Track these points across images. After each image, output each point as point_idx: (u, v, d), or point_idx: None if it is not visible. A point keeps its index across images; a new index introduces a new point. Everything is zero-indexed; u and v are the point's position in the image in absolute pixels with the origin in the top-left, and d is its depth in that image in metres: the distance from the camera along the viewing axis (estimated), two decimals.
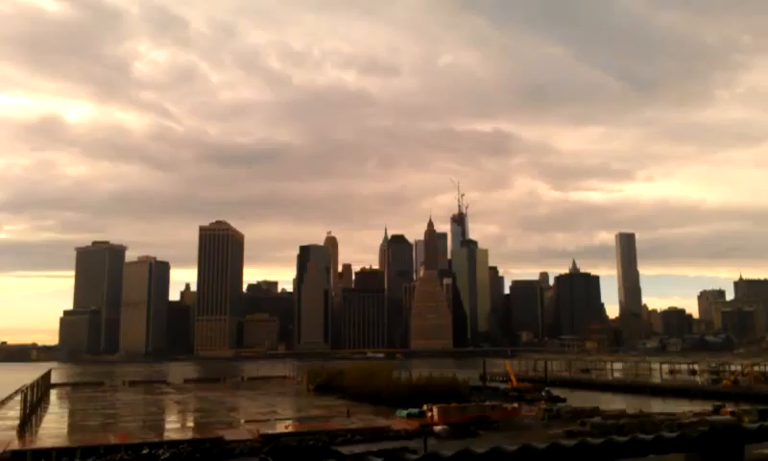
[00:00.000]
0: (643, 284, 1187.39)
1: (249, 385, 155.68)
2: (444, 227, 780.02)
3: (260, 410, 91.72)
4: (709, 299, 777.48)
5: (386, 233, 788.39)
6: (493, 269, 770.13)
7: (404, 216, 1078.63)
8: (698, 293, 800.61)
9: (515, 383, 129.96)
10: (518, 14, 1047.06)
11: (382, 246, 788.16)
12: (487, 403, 78.78)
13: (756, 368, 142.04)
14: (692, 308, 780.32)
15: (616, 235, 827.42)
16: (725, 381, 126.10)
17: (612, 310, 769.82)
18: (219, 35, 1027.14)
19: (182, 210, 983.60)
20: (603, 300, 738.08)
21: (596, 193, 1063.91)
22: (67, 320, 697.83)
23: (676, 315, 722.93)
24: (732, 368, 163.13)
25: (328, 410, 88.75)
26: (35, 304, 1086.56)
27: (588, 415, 59.44)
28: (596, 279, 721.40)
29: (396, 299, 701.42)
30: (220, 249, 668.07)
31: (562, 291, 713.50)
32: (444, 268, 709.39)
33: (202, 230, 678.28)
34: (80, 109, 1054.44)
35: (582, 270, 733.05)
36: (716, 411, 70.60)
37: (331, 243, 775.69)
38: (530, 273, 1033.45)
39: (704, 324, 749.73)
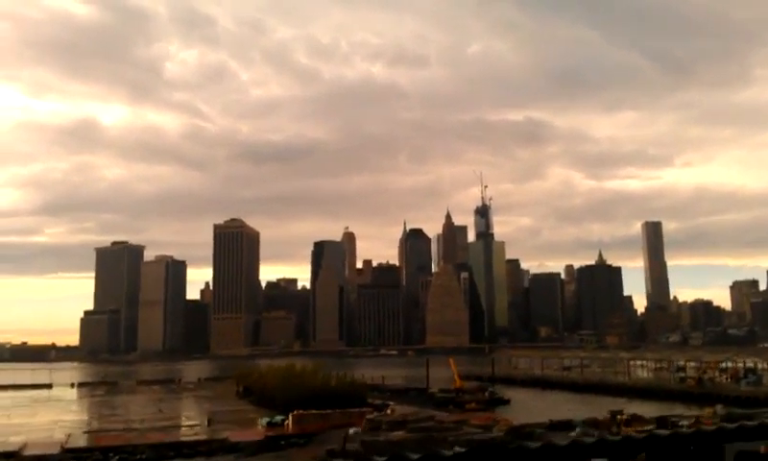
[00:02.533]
0: (681, 275, 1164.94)
1: (188, 387, 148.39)
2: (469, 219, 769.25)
3: (135, 417, 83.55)
4: (742, 289, 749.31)
5: (405, 227, 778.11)
6: (514, 262, 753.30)
7: (438, 210, 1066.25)
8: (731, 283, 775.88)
9: (458, 383, 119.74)
10: None
11: (401, 240, 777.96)
12: (355, 410, 69.00)
13: (730, 364, 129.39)
14: (726, 300, 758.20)
15: (642, 224, 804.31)
16: (689, 380, 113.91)
17: (642, 303, 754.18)
18: (247, 32, 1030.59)
19: (217, 209, 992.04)
20: (632, 292, 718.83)
21: (633, 181, 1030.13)
22: (87, 320, 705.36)
23: (703, 307, 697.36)
24: (725, 365, 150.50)
25: (206, 416, 80.00)
26: (63, 305, 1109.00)
27: (411, 423, 50.12)
28: (618, 270, 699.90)
29: (413, 294, 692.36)
30: (235, 246, 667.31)
31: (583, 284, 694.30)
32: (463, 262, 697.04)
33: (216, 227, 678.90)
34: (114, 112, 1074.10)
35: (615, 262, 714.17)
36: (613, 418, 58.99)
37: (349, 238, 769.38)
38: (564, 266, 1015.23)
39: (735, 316, 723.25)
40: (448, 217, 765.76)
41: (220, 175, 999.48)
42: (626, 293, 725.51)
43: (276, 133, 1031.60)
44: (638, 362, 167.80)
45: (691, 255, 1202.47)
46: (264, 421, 70.76)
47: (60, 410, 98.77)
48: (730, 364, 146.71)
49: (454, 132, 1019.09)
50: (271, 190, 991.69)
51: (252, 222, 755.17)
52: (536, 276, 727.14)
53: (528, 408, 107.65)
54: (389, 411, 77.14)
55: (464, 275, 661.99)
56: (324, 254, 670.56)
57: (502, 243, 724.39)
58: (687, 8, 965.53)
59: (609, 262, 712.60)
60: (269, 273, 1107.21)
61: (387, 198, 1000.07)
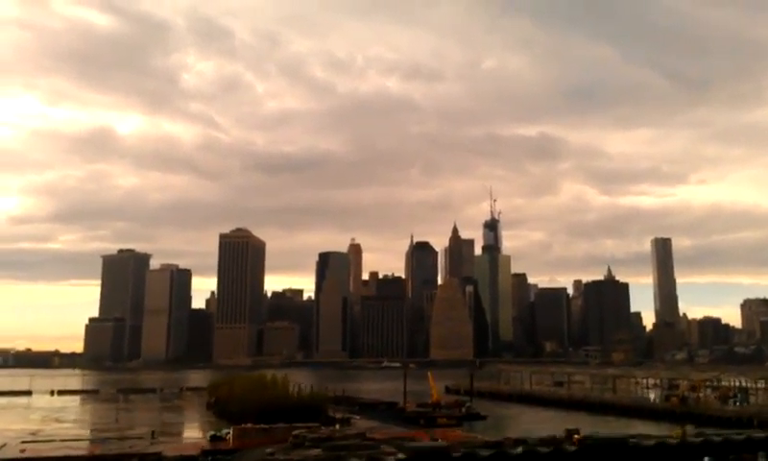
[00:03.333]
0: (694, 293, 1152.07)
1: (168, 397, 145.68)
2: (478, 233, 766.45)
3: (87, 428, 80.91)
4: (752, 308, 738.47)
5: (412, 240, 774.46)
6: (521, 276, 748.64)
7: (448, 223, 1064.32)
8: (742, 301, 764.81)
9: (435, 397, 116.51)
10: (562, 15, 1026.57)
11: (408, 253, 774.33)
12: (301, 425, 65.94)
13: (724, 383, 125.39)
14: (738, 318, 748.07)
15: (652, 241, 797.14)
16: (672, 399, 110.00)
17: (651, 320, 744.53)
18: (263, 44, 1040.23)
19: (229, 219, 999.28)
20: (642, 309, 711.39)
21: (647, 198, 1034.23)
22: (92, 327, 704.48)
23: (712, 325, 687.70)
24: (714, 383, 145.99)
25: (157, 427, 77.20)
26: (71, 312, 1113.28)
27: (337, 440, 47.40)
28: (626, 286, 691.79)
29: (418, 307, 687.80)
30: (240, 256, 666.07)
31: (590, 300, 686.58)
32: (469, 275, 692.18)
33: (222, 237, 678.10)
34: (130, 122, 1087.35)
35: (627, 278, 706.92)
36: (568, 436, 55.59)
37: (355, 250, 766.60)
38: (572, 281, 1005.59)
39: (745, 334, 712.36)
40: (455, 230, 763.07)
41: (233, 185, 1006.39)
42: (636, 309, 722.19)
43: (290, 144, 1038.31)
44: (632, 379, 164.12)
45: (705, 273, 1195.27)
46: (209, 434, 68.15)
47: (19, 418, 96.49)
48: (724, 383, 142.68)
49: (467, 146, 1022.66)
50: (283, 201, 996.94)
51: (263, 232, 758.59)
52: (542, 290, 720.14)
53: (502, 425, 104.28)
54: (347, 426, 74.17)
55: (469, 288, 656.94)
56: (329, 266, 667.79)
57: (508, 257, 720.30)
58: (703, 26, 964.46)
59: (618, 278, 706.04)
60: (278, 283, 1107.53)
61: (397, 211, 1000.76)
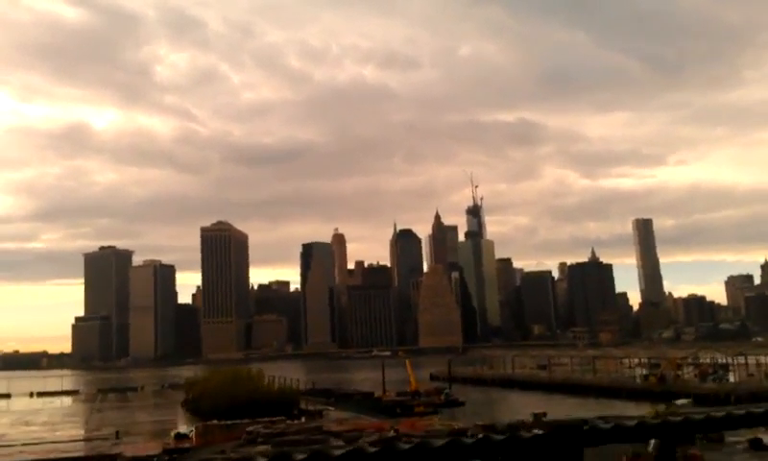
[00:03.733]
0: (679, 272, 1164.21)
1: (148, 395, 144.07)
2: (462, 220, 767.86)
3: (53, 430, 79.33)
4: (736, 284, 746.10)
5: (395, 228, 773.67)
6: (506, 261, 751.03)
7: (431, 211, 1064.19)
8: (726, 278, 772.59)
9: (413, 386, 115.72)
10: (536, 1, 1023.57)
11: (392, 241, 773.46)
12: (264, 420, 64.75)
13: (702, 359, 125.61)
14: (723, 295, 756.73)
15: (633, 221, 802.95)
16: (650, 378, 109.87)
17: (637, 300, 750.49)
18: (237, 35, 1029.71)
19: (210, 213, 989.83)
20: (628, 289, 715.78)
21: (627, 179, 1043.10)
22: (79, 326, 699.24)
23: (697, 303, 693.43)
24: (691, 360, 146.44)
25: (127, 427, 75.71)
26: (58, 312, 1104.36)
27: (292, 435, 46.63)
28: (609, 267, 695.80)
29: (405, 295, 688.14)
30: (222, 250, 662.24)
31: (575, 282, 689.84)
32: (454, 262, 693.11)
33: (203, 230, 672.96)
34: (105, 116, 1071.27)
35: (611, 259, 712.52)
36: (536, 420, 54.22)
37: (338, 240, 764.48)
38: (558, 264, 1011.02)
39: (731, 311, 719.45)
40: (437, 217, 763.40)
41: (212, 178, 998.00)
42: (622, 290, 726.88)
43: (269, 135, 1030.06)
44: (613, 360, 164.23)
45: (688, 252, 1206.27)
46: (174, 432, 66.79)
47: None
48: (703, 360, 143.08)
49: (447, 133, 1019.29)
50: (264, 193, 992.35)
51: (245, 225, 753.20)
52: (527, 274, 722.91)
53: (481, 411, 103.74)
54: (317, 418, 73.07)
55: (454, 275, 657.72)
56: (313, 257, 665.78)
57: (491, 242, 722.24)
58: (677, 10, 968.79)
59: (602, 260, 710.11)
60: (262, 276, 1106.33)
61: (380, 199, 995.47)
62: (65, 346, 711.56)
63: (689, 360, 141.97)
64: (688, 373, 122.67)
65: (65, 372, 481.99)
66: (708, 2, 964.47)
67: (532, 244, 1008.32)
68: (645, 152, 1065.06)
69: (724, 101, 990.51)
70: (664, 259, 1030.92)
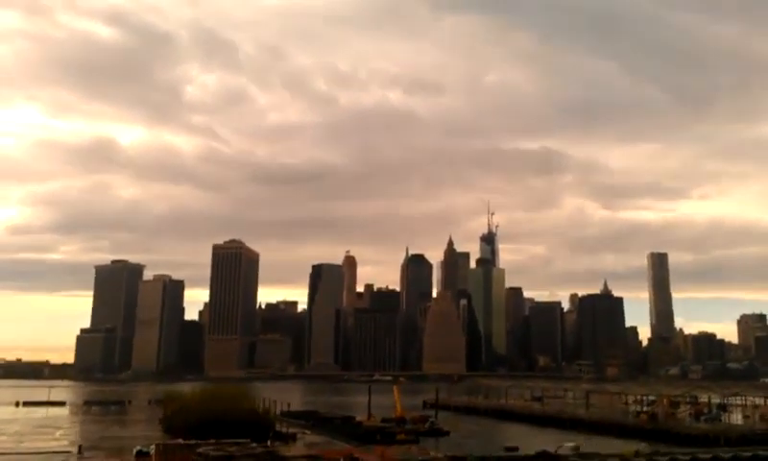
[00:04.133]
0: (695, 308, 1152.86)
1: (130, 410, 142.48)
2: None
3: (19, 442, 77.89)
4: (748, 323, 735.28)
5: (407, 253, 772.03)
6: (516, 290, 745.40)
7: (447, 236, 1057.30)
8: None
9: (399, 412, 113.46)
10: (565, 30, 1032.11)
11: (403, 266, 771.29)
12: (228, 441, 62.93)
13: (700, 399, 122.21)
14: (734, 334, 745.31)
15: (648, 255, 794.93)
16: (642, 415, 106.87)
17: (647, 335, 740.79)
18: (267, 57, 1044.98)
19: (229, 231, 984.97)
20: (639, 323, 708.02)
21: (648, 212, 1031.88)
22: (83, 338, 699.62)
23: (706, 340, 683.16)
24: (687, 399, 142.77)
25: (94, 442, 74.14)
26: (68, 323, 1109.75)
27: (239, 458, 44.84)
28: (620, 300, 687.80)
29: (412, 320, 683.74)
30: (233, 267, 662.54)
31: (584, 314, 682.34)
32: (463, 289, 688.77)
33: (215, 248, 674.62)
34: (132, 133, 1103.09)
35: (626, 293, 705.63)
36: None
37: (349, 262, 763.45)
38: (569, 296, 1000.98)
39: (741, 349, 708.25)
40: (450, 243, 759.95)
41: (233, 197, 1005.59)
42: (633, 324, 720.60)
43: (291, 156, 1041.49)
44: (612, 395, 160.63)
45: (705, 289, 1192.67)
46: (136, 449, 65.19)
47: None
48: (703, 399, 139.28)
49: (468, 159, 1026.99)
50: (283, 213, 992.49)
51: (262, 244, 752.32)
52: (536, 304, 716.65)
53: (465, 441, 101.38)
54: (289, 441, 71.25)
55: (463, 301, 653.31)
56: (322, 278, 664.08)
57: (502, 270, 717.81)
58: (705, 41, 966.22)
59: (616, 293, 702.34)
60: (276, 295, 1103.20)
61: (397, 224, 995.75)
62: (70, 357, 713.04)
63: (687, 399, 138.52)
64: (684, 411, 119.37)
65: (65, 383, 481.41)
66: (736, 33, 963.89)
67: (547, 274, 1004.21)
68: (667, 185, 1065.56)
69: (750, 135, 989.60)
70: (681, 295, 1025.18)
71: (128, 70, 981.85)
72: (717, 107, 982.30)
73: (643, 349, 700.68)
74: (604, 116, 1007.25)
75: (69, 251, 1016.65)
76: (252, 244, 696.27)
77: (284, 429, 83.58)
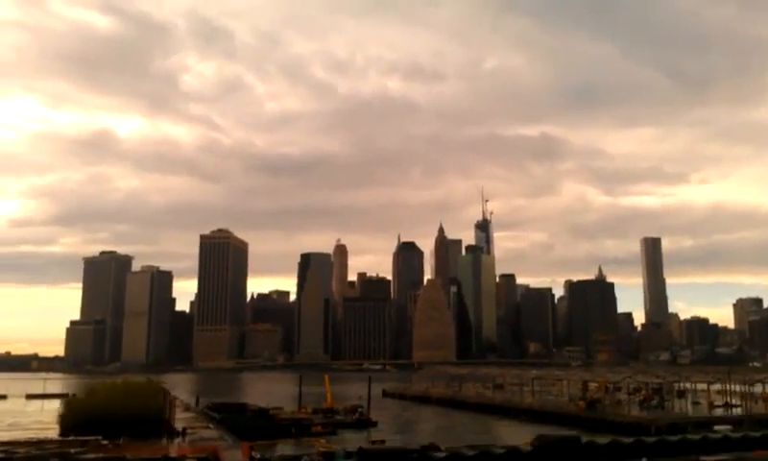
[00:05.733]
0: (693, 292, 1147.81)
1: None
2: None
3: None
4: (744, 307, 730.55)
5: (399, 240, 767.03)
6: (509, 277, 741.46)
7: (445, 224, 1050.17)
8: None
9: (329, 403, 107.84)
10: (563, 15, 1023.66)
11: (394, 254, 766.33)
12: (93, 438, 57.45)
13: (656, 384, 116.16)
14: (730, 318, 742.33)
15: (641, 240, 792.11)
16: (579, 403, 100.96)
17: (642, 320, 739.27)
18: (264, 45, 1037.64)
19: (228, 221, 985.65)
20: (635, 309, 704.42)
21: (649, 198, 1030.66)
22: (73, 330, 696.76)
23: (699, 325, 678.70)
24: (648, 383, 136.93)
25: None
26: (61, 315, 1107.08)
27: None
28: (611, 286, 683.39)
29: (403, 308, 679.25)
30: (220, 257, 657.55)
31: (574, 300, 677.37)
32: (454, 276, 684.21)
33: (202, 238, 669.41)
34: (131, 124, 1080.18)
35: (624, 278, 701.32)
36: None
37: (340, 251, 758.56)
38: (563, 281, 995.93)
39: (736, 334, 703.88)
40: (441, 231, 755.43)
41: (233, 187, 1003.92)
42: (628, 310, 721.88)
43: (291, 146, 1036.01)
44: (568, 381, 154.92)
45: (706, 273, 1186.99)
46: None
47: None
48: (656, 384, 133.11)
49: (467, 146, 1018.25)
50: (282, 203, 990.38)
51: (260, 234, 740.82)
52: (528, 291, 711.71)
53: (388, 431, 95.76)
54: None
55: (453, 289, 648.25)
56: (310, 267, 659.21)
57: (492, 257, 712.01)
58: (704, 24, 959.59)
59: (615, 279, 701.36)
60: (269, 285, 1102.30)
61: (394, 213, 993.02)
62: (61, 349, 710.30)
63: (652, 384, 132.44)
64: (629, 399, 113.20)
65: (51, 375, 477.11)
66: (735, 16, 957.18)
67: (548, 260, 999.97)
68: (668, 170, 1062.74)
69: (749, 118, 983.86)
70: (682, 280, 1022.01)
71: (125, 60, 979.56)
72: (716, 89, 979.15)
73: (636, 334, 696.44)
74: (603, 100, 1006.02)
75: (69, 243, 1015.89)
76: (250, 234, 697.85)
77: (180, 425, 77.96)
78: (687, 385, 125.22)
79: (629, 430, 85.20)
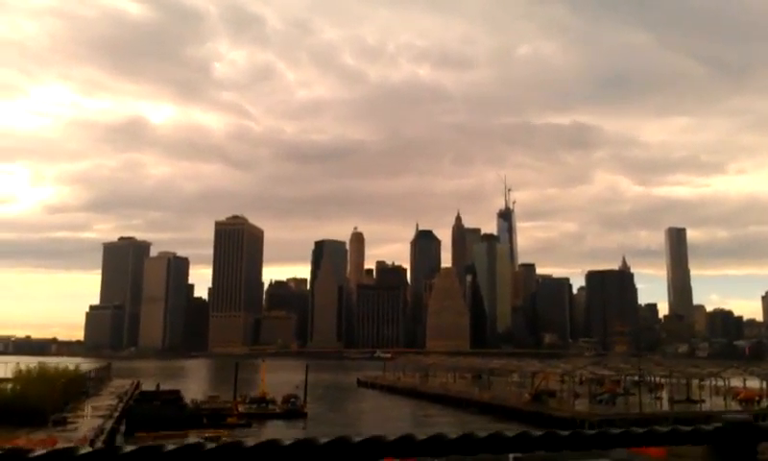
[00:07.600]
0: (729, 285, 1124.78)
1: None
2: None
3: None
4: None
5: (417, 229, 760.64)
6: (529, 266, 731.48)
7: (472, 213, 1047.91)
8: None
9: (262, 391, 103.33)
10: (598, 0, 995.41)
11: (412, 242, 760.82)
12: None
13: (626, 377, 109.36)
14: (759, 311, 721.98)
15: (666, 231, 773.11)
16: (525, 396, 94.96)
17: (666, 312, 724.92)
18: (295, 32, 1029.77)
19: (258, 208, 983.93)
20: (659, 300, 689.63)
21: (683, 188, 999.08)
22: (92, 314, 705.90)
23: (722, 317, 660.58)
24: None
25: None
26: (84, 300, 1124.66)
27: None
28: (631, 276, 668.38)
29: (419, 297, 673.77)
30: (235, 244, 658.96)
31: (593, 290, 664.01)
32: (470, 265, 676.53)
33: (218, 224, 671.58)
34: (162, 111, 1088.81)
35: (652, 270, 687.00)
36: None
37: (357, 239, 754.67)
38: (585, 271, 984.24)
39: (764, 327, 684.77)
40: (458, 219, 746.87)
41: (262, 175, 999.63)
42: (653, 301, 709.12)
43: (320, 133, 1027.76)
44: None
45: (741, 265, 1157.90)
46: None
47: None
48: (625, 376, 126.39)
49: (499, 135, 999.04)
50: (309, 191, 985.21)
51: (287, 222, 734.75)
52: (545, 280, 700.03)
53: (316, 422, 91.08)
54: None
55: (468, 277, 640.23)
56: (324, 254, 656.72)
57: (508, 246, 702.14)
58: (741, 11, 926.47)
59: (643, 270, 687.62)
60: (288, 273, 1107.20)
61: (419, 201, 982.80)
62: (80, 334, 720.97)
63: (626, 377, 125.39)
64: (599, 390, 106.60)
65: (68, 359, 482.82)
66: None
67: (578, 251, 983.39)
68: (703, 159, 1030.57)
69: None
70: (715, 272, 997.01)
71: (157, 47, 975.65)
72: (755, 78, 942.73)
73: (657, 326, 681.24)
74: (638, 88, 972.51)
75: (103, 229, 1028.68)
76: (275, 222, 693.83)
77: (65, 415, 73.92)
78: (673, 380, 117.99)
79: (564, 424, 79.52)
